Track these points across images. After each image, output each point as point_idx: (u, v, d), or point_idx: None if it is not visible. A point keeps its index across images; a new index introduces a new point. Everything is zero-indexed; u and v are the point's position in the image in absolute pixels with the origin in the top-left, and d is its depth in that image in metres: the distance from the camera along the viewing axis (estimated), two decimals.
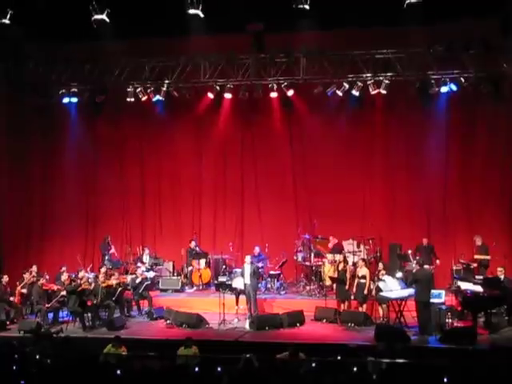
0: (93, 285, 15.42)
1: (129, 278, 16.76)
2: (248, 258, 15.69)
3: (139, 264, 18.13)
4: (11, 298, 15.94)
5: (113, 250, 18.82)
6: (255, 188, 19.68)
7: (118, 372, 9.24)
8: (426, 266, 15.32)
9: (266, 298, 16.78)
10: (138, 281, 16.41)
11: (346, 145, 18.90)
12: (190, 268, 18.45)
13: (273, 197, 19.50)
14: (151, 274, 17.65)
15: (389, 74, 16.81)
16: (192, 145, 19.91)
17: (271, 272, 17.71)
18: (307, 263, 17.77)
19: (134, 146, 20.22)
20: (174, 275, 18.76)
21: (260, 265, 17.03)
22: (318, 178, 19.16)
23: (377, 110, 18.40)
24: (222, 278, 17.08)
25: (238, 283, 15.69)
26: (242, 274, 15.49)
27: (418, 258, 15.99)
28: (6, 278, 16.00)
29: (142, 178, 20.24)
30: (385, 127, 18.79)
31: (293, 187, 19.53)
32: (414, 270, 14.55)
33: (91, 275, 16.51)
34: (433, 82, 16.72)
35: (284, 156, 19.52)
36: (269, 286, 17.54)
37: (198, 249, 18.65)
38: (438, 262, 16.67)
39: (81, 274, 16.29)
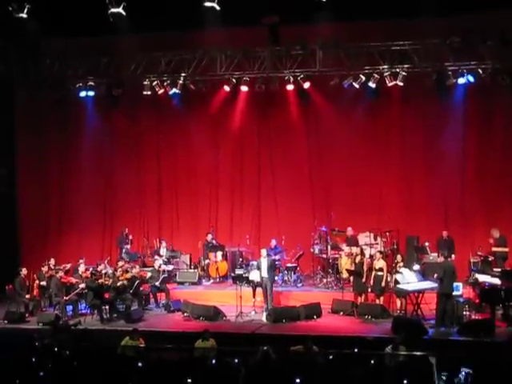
0: (111, 280, 15.45)
1: (149, 272, 16.80)
2: (264, 252, 15.65)
3: (156, 257, 18.20)
4: (29, 292, 16.13)
5: (129, 243, 18.89)
6: (272, 181, 19.64)
7: (140, 364, 9.21)
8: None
9: (283, 290, 16.76)
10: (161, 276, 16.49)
11: (363, 137, 18.80)
12: (206, 261, 18.47)
13: (289, 189, 19.47)
14: (169, 267, 17.67)
15: (405, 66, 16.69)
16: (208, 138, 19.89)
17: (288, 265, 17.71)
18: (324, 256, 17.69)
19: (151, 139, 20.25)
20: (190, 268, 18.79)
21: (277, 257, 17.03)
22: (334, 171, 19.15)
23: (393, 101, 18.29)
24: (238, 271, 17.14)
25: (254, 276, 15.65)
26: (259, 268, 15.47)
27: (441, 251, 15.81)
28: (24, 271, 16.07)
29: (159, 171, 20.27)
30: (401, 119, 18.67)
31: (309, 180, 19.48)
32: (438, 262, 14.45)
33: (110, 270, 16.58)
34: (450, 73, 16.57)
35: (300, 148, 19.46)
36: (285, 278, 17.52)
37: (214, 242, 18.65)
38: (453, 256, 16.41)
39: (100, 267, 16.37)
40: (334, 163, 19.11)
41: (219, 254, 18.40)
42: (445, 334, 13.45)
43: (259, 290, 15.67)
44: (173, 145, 20.14)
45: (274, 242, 17.69)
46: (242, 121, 19.38)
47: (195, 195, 20.10)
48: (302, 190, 19.48)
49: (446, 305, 13.74)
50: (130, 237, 19.00)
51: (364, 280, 15.45)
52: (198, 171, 20.11)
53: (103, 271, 16.08)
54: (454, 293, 14.12)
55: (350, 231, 17.58)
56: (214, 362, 9.53)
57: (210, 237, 18.64)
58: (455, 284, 14.35)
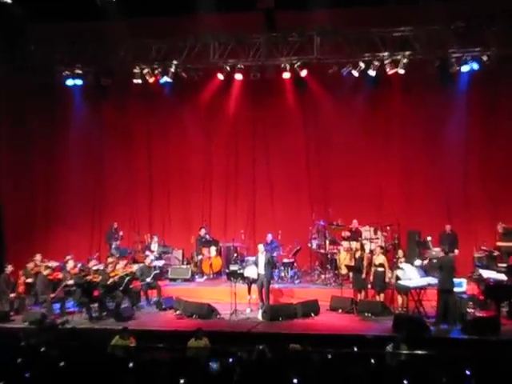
0: (100, 277, 15.39)
1: (135, 266, 16.77)
2: (261, 247, 15.61)
3: (147, 252, 18.18)
4: (14, 290, 15.95)
5: (119, 238, 18.85)
6: (267, 173, 19.67)
7: (131, 365, 9.24)
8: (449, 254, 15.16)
9: (280, 287, 16.77)
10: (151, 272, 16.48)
11: (362, 127, 18.81)
12: (200, 256, 18.47)
13: (286, 182, 19.51)
14: (160, 263, 17.67)
15: (407, 53, 16.61)
16: (201, 129, 19.88)
17: (285, 260, 17.69)
18: (322, 251, 17.71)
19: (142, 130, 20.22)
20: (183, 264, 18.80)
21: (274, 254, 17.00)
22: (332, 163, 19.16)
23: (394, 90, 18.27)
24: (233, 267, 17.12)
25: (250, 272, 15.64)
26: (256, 264, 15.44)
27: (442, 245, 15.80)
28: (10, 268, 15.92)
29: (150, 164, 20.26)
30: (402, 108, 18.66)
31: (307, 172, 19.51)
32: (439, 257, 14.46)
33: (100, 266, 16.52)
34: (453, 60, 16.54)
35: (297, 139, 19.46)
36: (282, 274, 17.53)
37: (208, 236, 18.63)
38: (456, 251, 16.45)
39: (91, 264, 16.32)
40: (333, 155, 19.12)
41: (213, 249, 18.37)
42: (447, 331, 13.43)
43: (254, 287, 15.64)
44: (164, 136, 20.10)
45: (270, 237, 17.67)
46: (237, 111, 19.34)
47: (188, 188, 20.09)
48: (299, 182, 19.51)
49: (447, 301, 13.77)
50: (121, 232, 18.93)
51: (364, 276, 15.43)
52: (190, 163, 20.09)
53: (94, 268, 15.97)
54: (457, 289, 14.14)
55: (354, 224, 17.51)
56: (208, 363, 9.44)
57: (203, 231, 18.61)
58: (458, 280, 14.39)
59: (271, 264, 15.70)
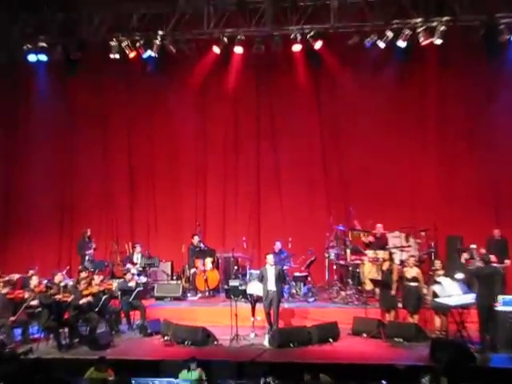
0: (72, 296, 15.36)
1: (115, 283, 16.76)
2: (271, 258, 15.49)
3: (128, 265, 18.18)
4: None
5: (92, 248, 18.90)
6: (275, 166, 19.75)
7: None
8: (495, 264, 14.95)
9: (291, 306, 16.68)
10: (129, 285, 16.43)
11: (390, 110, 18.84)
12: (192, 270, 18.48)
13: (297, 177, 19.58)
14: (144, 279, 17.67)
15: (445, 19, 16.65)
16: (193, 114, 19.96)
17: (296, 274, 17.68)
18: (342, 262, 17.72)
19: (120, 115, 20.32)
20: (172, 279, 18.87)
21: (285, 267, 17.06)
22: (354, 153, 19.18)
23: (429, 65, 18.36)
24: (233, 282, 17.12)
25: (254, 288, 15.53)
26: (261, 279, 15.35)
27: (484, 253, 15.72)
28: None
29: (131, 156, 20.39)
30: (440, 87, 18.70)
31: (322, 165, 19.56)
32: (475, 267, 14.47)
33: (70, 282, 16.47)
34: (502, 27, 16.53)
35: (311, 126, 19.49)
36: (293, 291, 17.50)
37: (202, 245, 18.64)
38: (507, 262, 16.42)
39: (57, 279, 16.23)
40: (354, 144, 19.15)
41: (208, 260, 18.34)
42: (495, 360, 13.32)
43: (260, 307, 15.53)
44: (148, 122, 20.20)
45: (278, 245, 17.70)
46: (237, 91, 19.40)
47: (178, 186, 20.23)
48: (313, 177, 19.60)
49: (491, 322, 13.70)
50: (93, 244, 18.99)
51: (393, 293, 15.35)
52: (180, 156, 20.21)
53: (61, 284, 15.92)
54: (508, 308, 14.04)
55: (379, 229, 17.54)
56: None
57: (196, 239, 18.62)
58: (509, 298, 14.26)
59: (282, 278, 15.68)
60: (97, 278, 16.13)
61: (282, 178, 19.74)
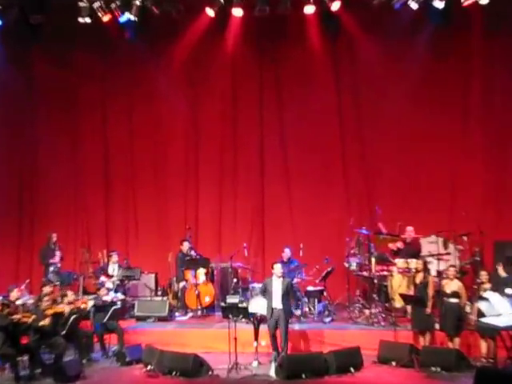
0: (33, 316, 15.19)
1: (91, 301, 16.57)
2: (279, 268, 15.27)
3: (103, 278, 18.13)
4: None
5: (58, 257, 18.89)
6: (282, 157, 19.79)
7: None
8: None
9: (303, 328, 16.55)
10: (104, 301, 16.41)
11: (424, 86, 18.91)
12: (182, 283, 18.49)
13: (310, 169, 19.64)
14: (120, 295, 17.59)
15: None
16: (183, 90, 20.04)
17: (309, 288, 17.74)
18: (365, 273, 17.62)
19: (93, 93, 20.38)
20: (157, 295, 18.94)
21: (295, 281, 17.07)
22: (380, 139, 19.29)
23: (473, 29, 18.37)
24: (232, 299, 17.05)
25: (257, 306, 15.35)
26: (264, 292, 15.29)
27: None
28: None
29: (106, 145, 20.47)
30: (486, 56, 18.69)
31: (341, 153, 19.62)
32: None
33: (30, 299, 16.40)
34: None
35: (326, 105, 19.52)
36: (306, 309, 17.45)
37: (193, 253, 18.64)
38: None
39: (14, 295, 16.17)
40: (380, 128, 19.18)
41: (201, 272, 18.32)
42: None
43: (264, 329, 15.38)
44: (128, 101, 20.30)
45: (287, 253, 17.82)
46: (235, 64, 19.57)
47: (163, 180, 20.31)
48: (329, 171, 19.62)
49: None
50: (59, 252, 18.97)
51: (429, 311, 15.20)
52: (167, 143, 20.25)
53: (18, 302, 15.87)
54: None
55: (410, 233, 17.49)
56: None
57: (186, 246, 18.62)
58: None
59: (291, 293, 15.61)
60: (70, 295, 16.03)
61: (290, 172, 19.83)
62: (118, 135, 20.36)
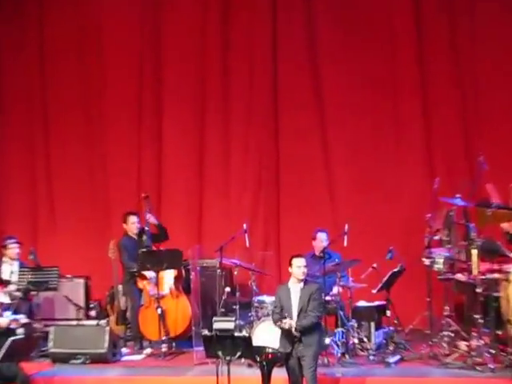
0: None
1: None
2: (302, 264, 14.38)
3: None
4: None
5: None
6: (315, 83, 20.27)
7: None
8: None
9: (348, 372, 15.70)
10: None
11: None
12: (133, 294, 17.89)
13: (359, 99, 20.04)
14: (22, 318, 16.76)
15: None
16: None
17: (361, 303, 17.30)
18: (460, 277, 16.75)
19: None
20: (88, 316, 18.90)
21: (334, 290, 16.70)
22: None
23: None
24: (222, 324, 15.69)
25: (267, 336, 14.88)
26: (279, 312, 14.26)
27: None
28: None
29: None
30: None
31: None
32: None
33: None
34: None
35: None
36: (355, 340, 16.91)
37: (148, 240, 17.92)
38: None
39: None
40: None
41: (168, 275, 17.53)
42: None
43: (280, 375, 14.20)
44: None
45: (322, 240, 17.43)
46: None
47: (98, 122, 21.17)
48: (403, 102, 19.85)
49: None
50: None
51: None
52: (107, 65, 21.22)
53: None
54: None
55: None
56: None
57: (134, 222, 18.19)
58: None
59: (322, 309, 14.59)
60: None
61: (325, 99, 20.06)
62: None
